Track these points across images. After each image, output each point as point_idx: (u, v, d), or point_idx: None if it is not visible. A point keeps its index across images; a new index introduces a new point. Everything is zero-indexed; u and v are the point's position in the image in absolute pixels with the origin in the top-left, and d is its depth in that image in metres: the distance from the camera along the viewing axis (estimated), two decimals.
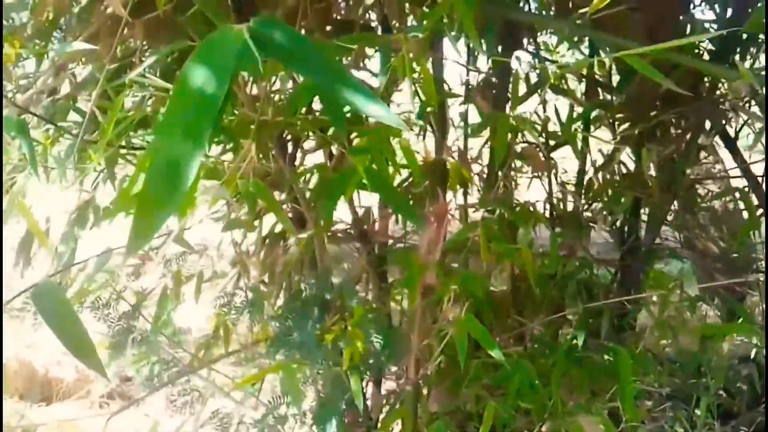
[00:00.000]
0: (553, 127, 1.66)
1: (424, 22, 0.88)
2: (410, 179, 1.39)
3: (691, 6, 1.69)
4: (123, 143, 1.11)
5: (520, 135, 1.50)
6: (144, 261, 1.42)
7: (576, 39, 1.56)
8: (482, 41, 0.99)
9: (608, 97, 1.68)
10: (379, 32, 1.41)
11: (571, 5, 1.38)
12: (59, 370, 2.94)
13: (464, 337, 1.00)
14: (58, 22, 1.16)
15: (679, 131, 1.62)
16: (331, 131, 1.25)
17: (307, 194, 1.43)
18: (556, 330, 1.55)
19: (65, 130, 1.11)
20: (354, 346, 1.04)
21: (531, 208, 1.50)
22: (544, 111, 1.78)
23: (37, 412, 2.77)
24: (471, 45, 1.60)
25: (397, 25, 1.38)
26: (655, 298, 1.58)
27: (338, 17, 1.29)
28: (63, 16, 1.14)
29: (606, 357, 1.39)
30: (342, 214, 1.50)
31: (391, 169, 1.13)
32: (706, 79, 1.56)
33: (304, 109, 1.24)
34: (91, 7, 1.07)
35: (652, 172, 1.57)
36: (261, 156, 1.25)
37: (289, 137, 1.47)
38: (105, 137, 0.88)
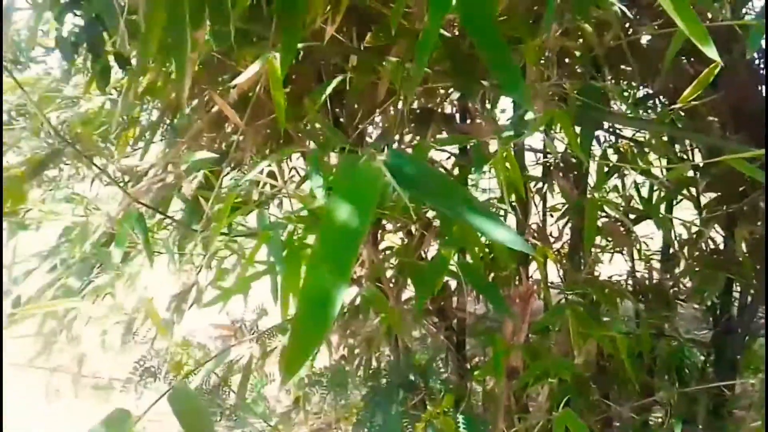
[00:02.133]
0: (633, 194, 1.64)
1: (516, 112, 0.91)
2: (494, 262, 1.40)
3: None
4: (225, 230, 1.18)
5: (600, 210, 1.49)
6: (235, 333, 1.47)
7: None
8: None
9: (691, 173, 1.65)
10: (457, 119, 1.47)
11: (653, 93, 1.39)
12: None
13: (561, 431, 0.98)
14: (168, 119, 1.28)
15: None
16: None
17: (388, 273, 1.46)
18: (647, 415, 1.49)
19: (172, 218, 1.20)
20: None
21: (615, 286, 1.48)
22: (623, 183, 1.76)
23: None
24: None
25: (477, 108, 1.43)
26: (753, 382, 1.50)
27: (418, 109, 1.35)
28: (175, 114, 1.25)
29: None
30: None
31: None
32: None
33: None
34: (200, 107, 1.18)
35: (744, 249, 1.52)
36: None
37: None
38: (218, 229, 0.95)
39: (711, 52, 0.46)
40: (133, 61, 1.23)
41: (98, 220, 1.17)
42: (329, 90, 0.91)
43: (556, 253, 1.59)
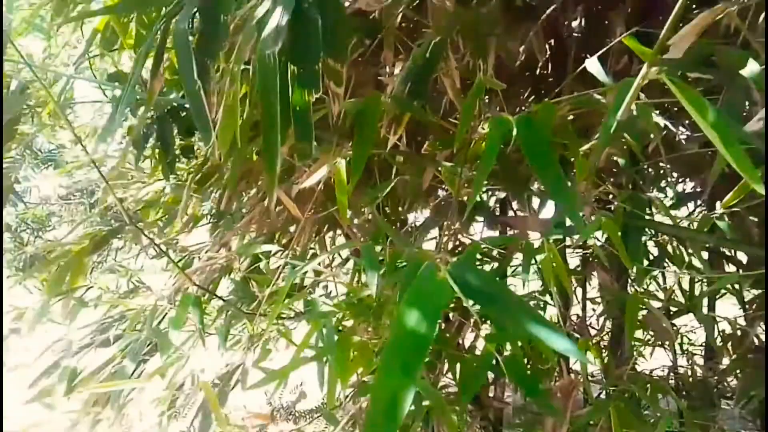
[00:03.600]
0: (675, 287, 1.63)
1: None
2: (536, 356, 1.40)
3: None
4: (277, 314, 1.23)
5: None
6: (272, 419, 1.48)
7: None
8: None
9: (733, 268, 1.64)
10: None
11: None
12: None
13: None
14: (229, 209, 1.36)
15: None
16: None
17: None
18: None
19: (223, 299, 1.25)
20: None
21: (658, 381, 1.45)
22: (663, 276, 1.76)
23: None
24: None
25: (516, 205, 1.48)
26: None
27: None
28: (232, 203, 1.34)
29: None
30: None
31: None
32: None
33: None
34: (254, 200, 1.26)
35: None
36: None
37: None
38: (275, 312, 0.99)
39: (759, 187, 0.50)
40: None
41: (152, 299, 1.23)
42: (386, 192, 0.97)
43: (595, 345, 1.58)
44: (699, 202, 1.62)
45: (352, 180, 0.80)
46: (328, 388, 0.98)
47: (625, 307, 1.27)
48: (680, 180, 1.65)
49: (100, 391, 1.18)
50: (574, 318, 1.53)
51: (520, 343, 1.10)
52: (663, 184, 1.63)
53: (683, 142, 1.41)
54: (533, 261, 1.08)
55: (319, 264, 1.06)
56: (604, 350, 1.53)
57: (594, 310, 1.63)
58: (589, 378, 1.52)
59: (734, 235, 1.05)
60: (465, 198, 1.22)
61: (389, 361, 0.46)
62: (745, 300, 1.66)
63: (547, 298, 1.59)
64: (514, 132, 0.56)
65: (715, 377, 1.63)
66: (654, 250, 1.60)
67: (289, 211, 1.09)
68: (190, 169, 1.54)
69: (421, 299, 0.49)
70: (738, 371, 1.60)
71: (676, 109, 1.29)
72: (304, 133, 0.62)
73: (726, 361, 1.67)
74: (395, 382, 0.45)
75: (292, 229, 1.27)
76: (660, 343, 1.76)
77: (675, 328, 1.67)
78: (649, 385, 1.43)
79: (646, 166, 1.14)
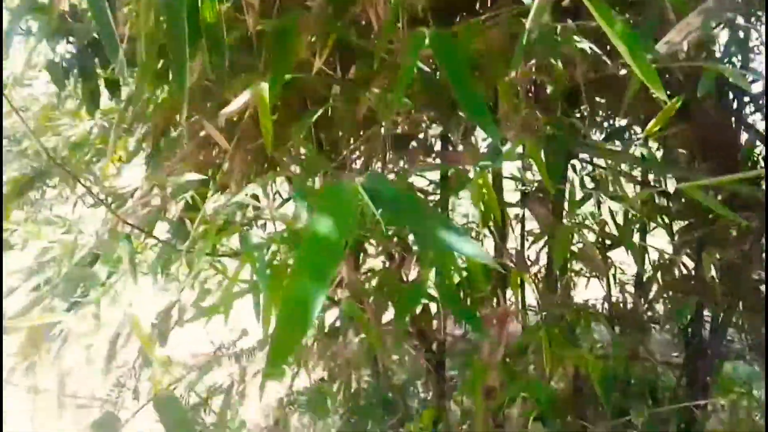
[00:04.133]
0: (608, 220, 1.69)
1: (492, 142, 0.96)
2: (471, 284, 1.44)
3: (744, 116, 1.73)
4: (209, 251, 1.21)
5: (576, 236, 1.54)
6: (215, 359, 1.48)
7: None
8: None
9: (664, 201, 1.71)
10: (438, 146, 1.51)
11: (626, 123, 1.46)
12: None
13: None
14: (156, 142, 1.31)
15: (740, 233, 1.62)
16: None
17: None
18: None
19: (157, 239, 1.22)
20: None
21: (590, 310, 1.52)
22: (599, 210, 1.82)
23: None
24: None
25: (457, 136, 1.48)
26: (723, 402, 1.54)
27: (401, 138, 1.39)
28: (159, 138, 1.29)
29: None
30: None
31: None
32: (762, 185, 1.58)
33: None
34: (190, 129, 1.21)
35: (714, 274, 1.57)
36: None
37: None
38: (204, 249, 0.97)
39: (661, 94, 0.51)
40: (124, 88, 1.27)
41: (83, 240, 1.19)
42: (314, 118, 0.95)
43: (533, 278, 1.63)
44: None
45: (271, 98, 0.78)
46: (263, 320, 0.98)
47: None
48: (612, 116, 1.68)
49: (31, 337, 1.15)
50: (512, 252, 1.56)
51: (454, 271, 1.13)
52: (598, 119, 1.66)
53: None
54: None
55: (256, 200, 1.05)
56: (539, 281, 1.58)
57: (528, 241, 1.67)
58: (528, 309, 1.57)
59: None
60: (399, 130, 1.21)
61: (301, 267, 0.46)
62: (674, 232, 1.74)
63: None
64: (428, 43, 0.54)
65: (645, 304, 1.71)
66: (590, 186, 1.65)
67: (219, 146, 1.06)
68: (118, 109, 1.47)
69: (333, 207, 0.48)
70: (665, 297, 1.69)
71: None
72: (215, 47, 0.59)
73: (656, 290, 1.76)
74: (306, 287, 0.45)
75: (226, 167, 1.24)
76: (594, 275, 1.84)
77: (609, 261, 1.73)
78: (582, 313, 1.49)
79: (578, 97, 1.15)
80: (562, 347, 1.31)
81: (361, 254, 1.61)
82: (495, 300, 1.43)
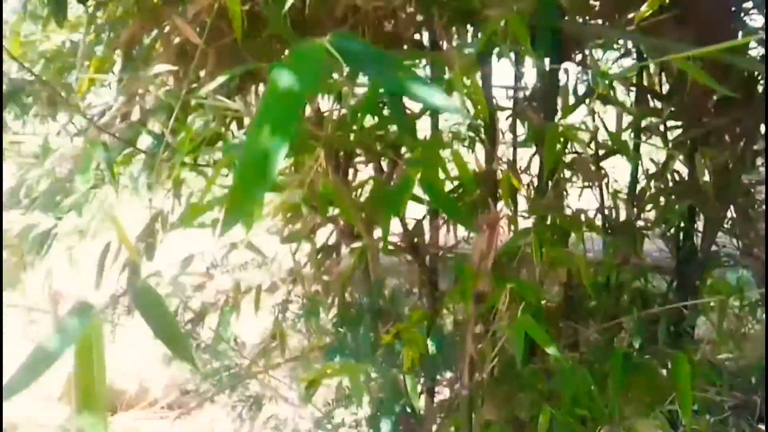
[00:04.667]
0: (603, 136, 1.66)
1: (479, 36, 0.92)
2: (461, 189, 1.42)
3: (741, 14, 1.66)
4: (191, 161, 1.18)
5: (569, 146, 1.51)
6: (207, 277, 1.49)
7: (624, 49, 1.57)
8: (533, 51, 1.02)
9: (658, 105, 1.67)
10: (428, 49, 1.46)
11: (617, 15, 1.40)
12: (123, 381, 3.09)
13: (521, 337, 1.02)
14: (131, 52, 1.26)
15: (734, 136, 1.60)
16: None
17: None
18: (612, 338, 1.54)
19: (139, 150, 1.19)
20: (413, 348, 1.07)
21: (582, 216, 1.51)
22: (593, 121, 1.78)
23: None
24: (518, 60, 1.63)
25: (444, 43, 1.43)
26: (713, 305, 1.56)
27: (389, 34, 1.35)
28: (135, 46, 1.23)
29: (664, 367, 1.38)
30: (392, 226, 1.54)
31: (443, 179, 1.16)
32: (760, 83, 1.54)
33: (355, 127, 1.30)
34: (162, 36, 1.16)
35: (707, 178, 1.56)
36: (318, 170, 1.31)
37: (341, 153, 1.52)
38: (181, 156, 0.95)
39: None
40: None
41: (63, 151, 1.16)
42: (288, 4, 0.90)
43: (525, 187, 1.61)
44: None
45: None
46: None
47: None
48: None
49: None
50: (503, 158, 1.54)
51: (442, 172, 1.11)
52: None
53: None
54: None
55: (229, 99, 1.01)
56: (531, 188, 1.57)
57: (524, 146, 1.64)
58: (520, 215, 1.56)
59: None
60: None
61: (263, 119, 0.43)
62: (669, 138, 1.71)
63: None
64: None
65: (636, 211, 1.71)
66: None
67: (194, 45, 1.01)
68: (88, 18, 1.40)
69: (298, 62, 0.45)
70: (657, 204, 1.68)
71: None
72: None
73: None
74: (268, 138, 0.43)
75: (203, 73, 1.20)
76: (588, 184, 1.82)
77: (602, 171, 1.71)
78: (574, 218, 1.48)
79: None
80: (552, 249, 1.31)
81: (350, 168, 1.59)
82: (486, 208, 1.41)
